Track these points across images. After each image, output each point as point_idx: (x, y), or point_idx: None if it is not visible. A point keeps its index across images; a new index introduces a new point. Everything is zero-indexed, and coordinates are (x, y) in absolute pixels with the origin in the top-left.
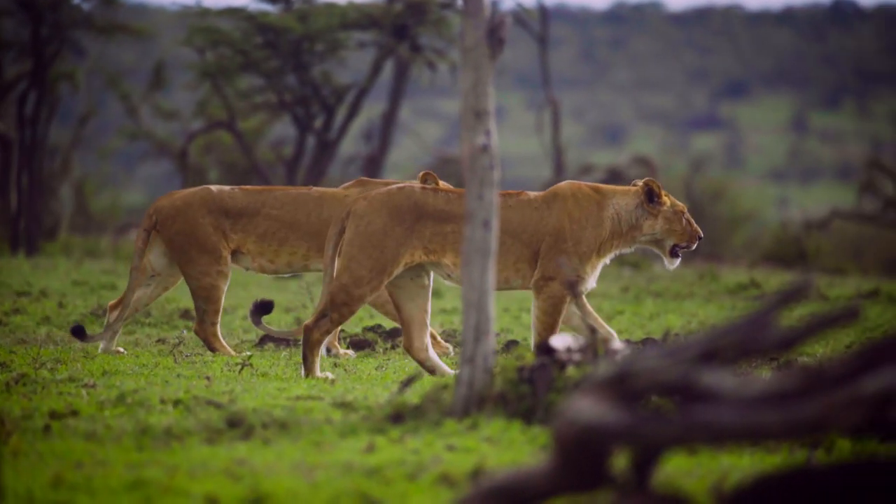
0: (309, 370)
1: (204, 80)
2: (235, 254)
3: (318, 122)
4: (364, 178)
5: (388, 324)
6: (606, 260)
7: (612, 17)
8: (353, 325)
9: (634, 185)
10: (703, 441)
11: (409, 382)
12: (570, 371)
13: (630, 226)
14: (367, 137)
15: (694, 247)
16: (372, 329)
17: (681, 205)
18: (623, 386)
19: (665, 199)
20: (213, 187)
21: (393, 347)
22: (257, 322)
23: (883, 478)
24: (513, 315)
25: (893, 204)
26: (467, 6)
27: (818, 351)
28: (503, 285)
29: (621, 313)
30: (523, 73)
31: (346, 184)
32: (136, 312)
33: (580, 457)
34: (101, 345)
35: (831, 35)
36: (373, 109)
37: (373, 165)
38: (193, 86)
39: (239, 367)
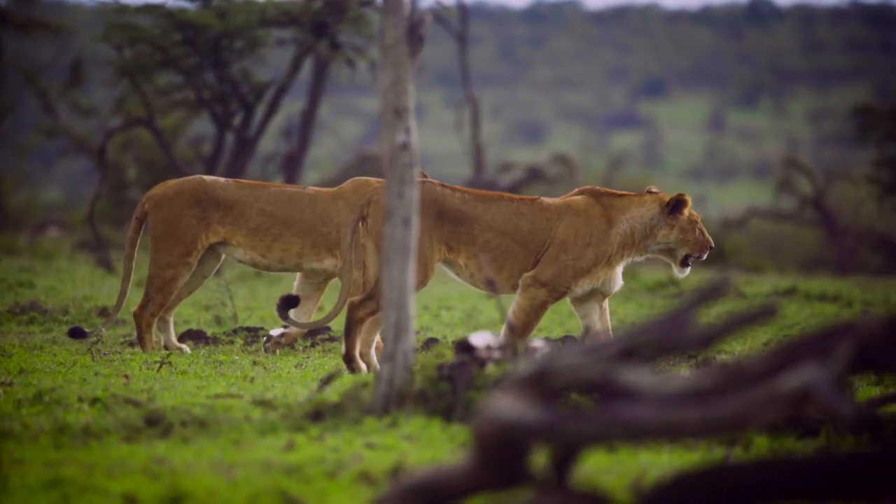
0: (350, 356)
1: (122, 77)
2: (225, 245)
3: (237, 120)
4: (359, 178)
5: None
6: (618, 268)
7: (530, 15)
8: (274, 323)
9: (649, 191)
10: (622, 438)
11: (328, 380)
12: (490, 369)
13: (644, 235)
14: (287, 135)
15: (704, 257)
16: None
17: (696, 215)
18: (543, 384)
19: (686, 211)
20: (207, 177)
21: (312, 345)
22: (284, 316)
23: (800, 475)
24: (433, 313)
25: (810, 202)
26: (387, 4)
27: (736, 348)
28: (510, 290)
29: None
30: (443, 70)
31: (342, 185)
32: (180, 303)
33: (500, 454)
34: (162, 338)
35: (748, 34)
36: (292, 107)
37: (292, 163)
38: (111, 83)
39: (158, 365)
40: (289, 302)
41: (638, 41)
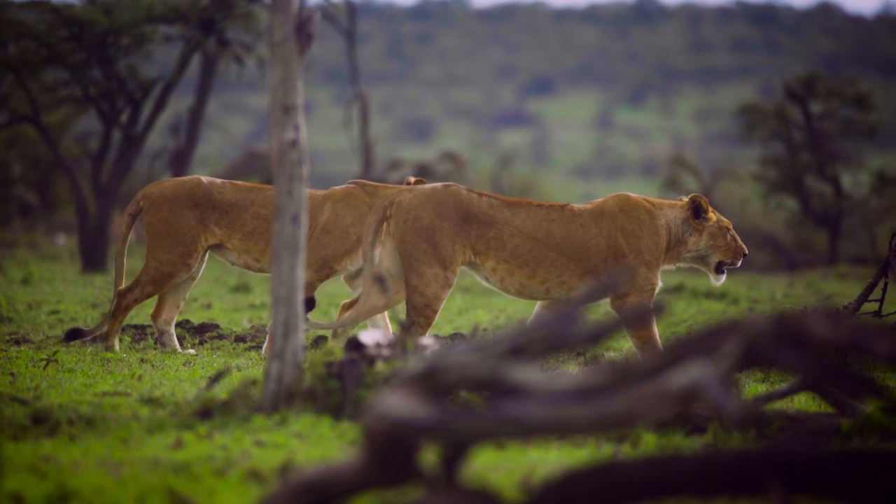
0: None
1: (7, 74)
2: (220, 247)
3: (124, 117)
4: (361, 181)
5: (196, 318)
6: (657, 276)
7: (418, 12)
8: None
9: (681, 200)
10: (511, 436)
11: (217, 378)
12: (380, 366)
13: (676, 241)
14: (174, 132)
15: (739, 263)
16: (180, 324)
17: (726, 221)
18: (432, 381)
19: (711, 214)
20: (204, 178)
21: (201, 343)
22: (303, 319)
23: (688, 471)
24: (322, 311)
25: None
26: (275, 2)
27: (624, 346)
28: (544, 295)
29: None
30: (331, 68)
31: (334, 188)
32: (178, 309)
33: (389, 452)
34: (169, 348)
35: (635, 33)
36: (180, 104)
37: (180, 160)
38: None
39: (44, 362)
40: (307, 305)
41: (526, 39)
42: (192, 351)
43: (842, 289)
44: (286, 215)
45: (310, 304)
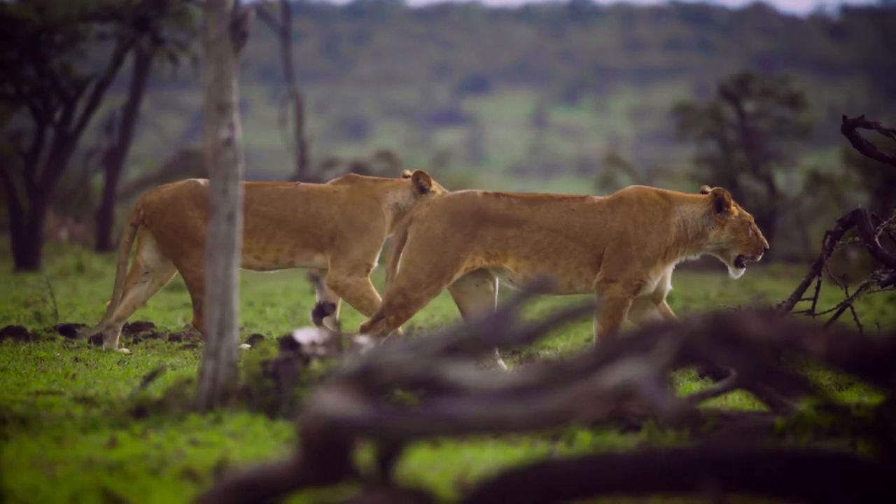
0: None
1: None
2: None
3: (58, 115)
4: (353, 174)
5: (131, 318)
6: (671, 266)
7: (353, 11)
8: (95, 320)
9: (703, 192)
10: (446, 434)
11: (151, 377)
12: (315, 365)
13: (696, 233)
14: (108, 130)
15: (759, 258)
16: None
17: (748, 215)
18: (367, 380)
19: (733, 209)
20: (201, 181)
21: (135, 342)
22: (319, 323)
23: (622, 470)
24: (257, 309)
25: None
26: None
27: (559, 344)
28: (567, 290)
29: None
30: (266, 66)
31: (334, 179)
32: (135, 310)
33: (324, 451)
34: (104, 345)
35: (569, 32)
36: (113, 102)
37: (113, 159)
38: None
39: None
40: (323, 310)
41: (461, 38)
42: (125, 350)
43: (775, 287)
44: (222, 214)
45: (326, 309)
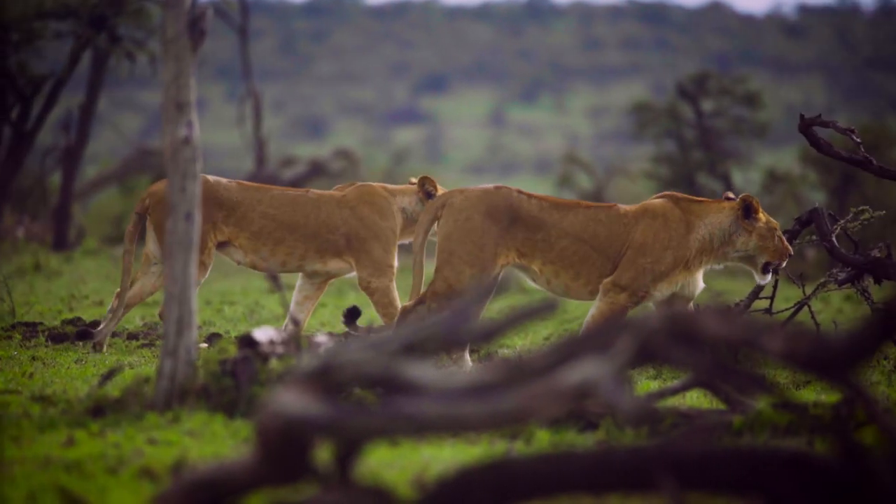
0: None
1: None
2: (226, 246)
3: (15, 113)
4: (363, 184)
5: (88, 316)
6: (698, 273)
7: (311, 9)
8: (53, 318)
9: (727, 198)
10: (405, 433)
11: (109, 376)
12: (274, 364)
13: (722, 242)
14: (65, 129)
15: (784, 264)
16: (71, 322)
17: (774, 222)
18: (326, 379)
19: (761, 215)
20: (210, 177)
21: None
22: (351, 326)
23: (581, 468)
24: (215, 308)
25: (590, 197)
26: None
27: (518, 343)
28: (587, 297)
29: (324, 306)
30: (224, 64)
31: (340, 185)
32: (141, 301)
33: (283, 449)
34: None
35: (527, 30)
36: (71, 100)
37: (71, 157)
38: None
39: None
40: (354, 313)
41: (419, 37)
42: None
43: (733, 286)
44: (179, 213)
45: (357, 312)
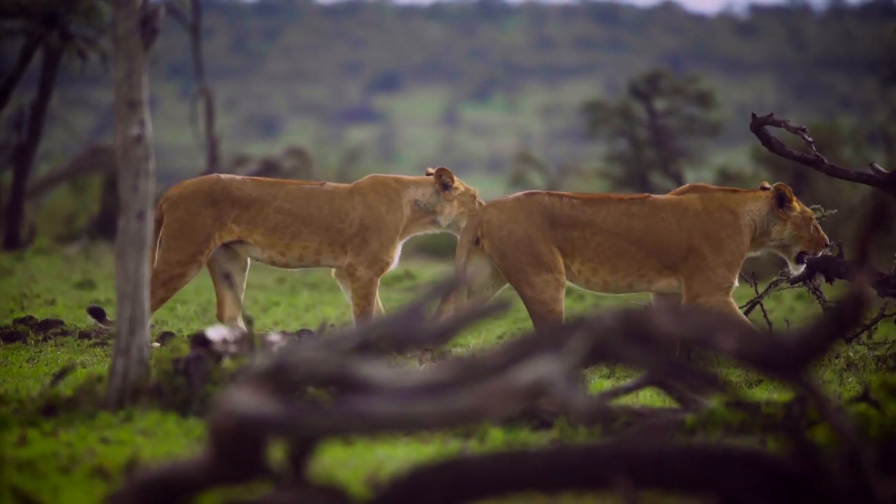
0: None
1: None
2: (242, 243)
3: None
4: (376, 174)
5: (40, 315)
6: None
7: (263, 8)
8: (4, 317)
9: (763, 188)
10: (359, 432)
11: (61, 375)
12: (227, 363)
13: (760, 231)
14: (17, 127)
15: (820, 254)
16: (23, 321)
17: (809, 211)
18: (280, 377)
19: (795, 204)
20: (224, 176)
21: (45, 339)
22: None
23: (534, 467)
24: (167, 307)
25: None
26: None
27: (471, 342)
28: (626, 289)
29: (277, 304)
30: (176, 62)
31: (359, 181)
32: (239, 304)
33: (236, 448)
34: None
35: (480, 30)
36: (22, 98)
37: (22, 155)
38: None
39: None
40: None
41: (371, 35)
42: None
43: None
44: (132, 212)
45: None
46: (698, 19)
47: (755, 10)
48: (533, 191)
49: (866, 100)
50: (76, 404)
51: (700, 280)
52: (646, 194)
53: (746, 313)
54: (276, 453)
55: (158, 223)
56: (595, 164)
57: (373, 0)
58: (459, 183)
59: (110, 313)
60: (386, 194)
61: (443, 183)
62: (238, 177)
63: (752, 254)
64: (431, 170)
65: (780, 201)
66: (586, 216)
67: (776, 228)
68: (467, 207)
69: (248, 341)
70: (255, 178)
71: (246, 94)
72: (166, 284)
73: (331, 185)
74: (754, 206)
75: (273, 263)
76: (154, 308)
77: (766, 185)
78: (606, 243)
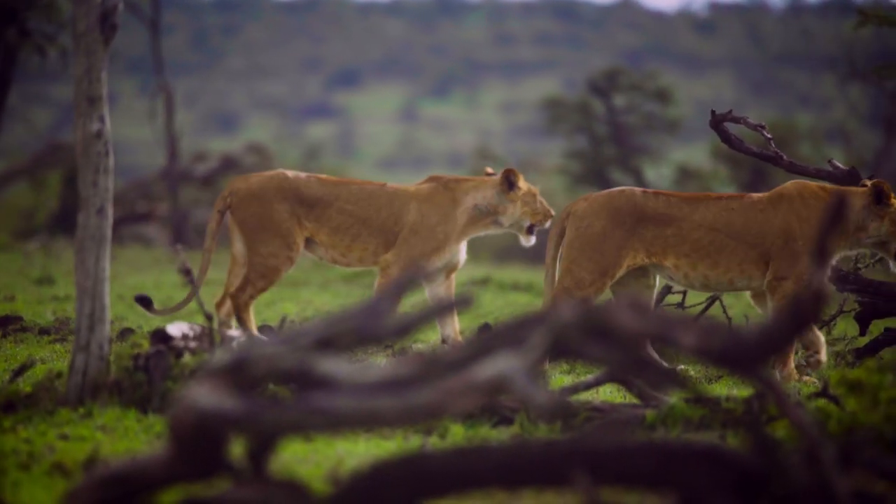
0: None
1: None
2: (309, 242)
3: None
4: (436, 174)
5: None
6: (832, 261)
7: (222, 4)
8: None
9: (863, 184)
10: (319, 428)
11: (20, 371)
12: (187, 359)
13: (857, 227)
14: None
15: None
16: None
17: None
18: (240, 373)
19: (893, 200)
20: (290, 172)
21: (4, 335)
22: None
23: (495, 463)
24: (127, 303)
25: None
26: None
27: (432, 338)
28: (727, 286)
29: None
30: (136, 59)
31: (420, 181)
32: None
33: (196, 444)
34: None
35: (440, 26)
36: None
37: None
38: None
39: None
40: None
41: (331, 31)
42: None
43: None
44: (92, 207)
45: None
46: (657, 16)
47: (714, 7)
48: (626, 188)
49: (824, 97)
50: (35, 401)
51: (784, 264)
52: (742, 193)
53: (705, 309)
54: (237, 450)
55: (222, 214)
56: (554, 160)
57: None
58: (524, 183)
59: (69, 310)
60: (441, 204)
61: (509, 182)
62: (303, 174)
63: (849, 251)
64: (490, 169)
65: (878, 198)
66: (683, 213)
67: (874, 225)
68: (530, 207)
69: (208, 337)
70: (320, 176)
71: (205, 90)
72: (264, 276)
73: (392, 186)
74: (852, 202)
75: (335, 263)
76: (252, 298)
77: (867, 181)
78: (705, 239)
